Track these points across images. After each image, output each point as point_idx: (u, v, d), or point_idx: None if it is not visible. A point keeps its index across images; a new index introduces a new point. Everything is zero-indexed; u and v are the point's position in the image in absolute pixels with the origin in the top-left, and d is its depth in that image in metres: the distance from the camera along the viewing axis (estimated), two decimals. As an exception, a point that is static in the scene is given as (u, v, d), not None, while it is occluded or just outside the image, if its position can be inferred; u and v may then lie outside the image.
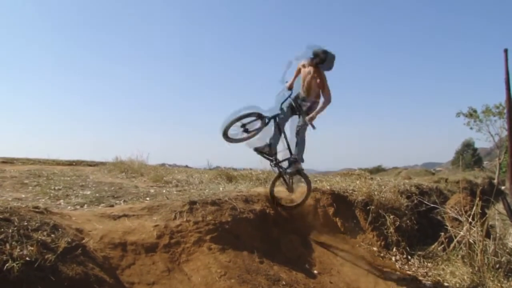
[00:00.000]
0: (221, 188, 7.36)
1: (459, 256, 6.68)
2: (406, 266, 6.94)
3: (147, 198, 5.93)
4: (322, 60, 5.80)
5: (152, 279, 3.82)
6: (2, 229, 3.05)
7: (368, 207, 7.67)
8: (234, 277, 4.33)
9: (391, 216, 7.66)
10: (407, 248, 7.44)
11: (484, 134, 30.24)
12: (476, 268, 6.22)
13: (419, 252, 7.44)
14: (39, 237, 3.18)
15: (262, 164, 10.73)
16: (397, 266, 6.85)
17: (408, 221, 7.96)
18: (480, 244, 6.30)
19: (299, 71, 6.22)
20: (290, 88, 6.16)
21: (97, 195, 6.33)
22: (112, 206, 5.28)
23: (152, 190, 7.05)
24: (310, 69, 5.95)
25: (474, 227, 6.67)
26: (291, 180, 6.44)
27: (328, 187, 7.96)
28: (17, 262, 2.75)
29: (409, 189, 9.87)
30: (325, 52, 5.78)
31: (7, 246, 2.88)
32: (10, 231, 3.07)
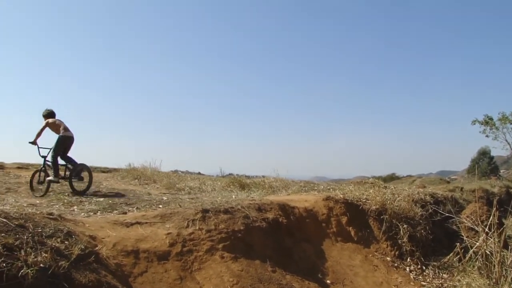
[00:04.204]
0: (233, 196, 7.35)
1: (476, 267, 6.54)
2: (420, 277, 6.84)
3: (160, 206, 5.94)
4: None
5: (164, 287, 3.82)
6: (17, 236, 3.08)
7: (382, 216, 7.60)
8: (246, 286, 4.30)
9: (405, 226, 7.57)
10: (422, 258, 7.34)
11: (500, 142, 29.81)
12: (494, 280, 6.08)
13: (434, 263, 7.33)
14: (53, 244, 3.20)
15: (275, 172, 10.73)
16: (412, 276, 6.75)
17: (422, 231, 7.86)
18: (497, 255, 6.16)
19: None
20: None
21: (110, 202, 6.37)
22: (125, 213, 5.30)
23: (164, 198, 7.07)
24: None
25: (491, 237, 6.53)
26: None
27: (341, 196, 7.91)
28: (32, 268, 2.76)
29: (423, 198, 9.76)
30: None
31: (22, 252, 2.90)
32: (25, 237, 3.09)
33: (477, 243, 6.75)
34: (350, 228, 7.12)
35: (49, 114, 8.34)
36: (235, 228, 5.13)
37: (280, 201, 6.62)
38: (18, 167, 12.93)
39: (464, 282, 6.34)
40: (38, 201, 6.31)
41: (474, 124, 30.65)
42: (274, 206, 6.29)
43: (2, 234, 3.02)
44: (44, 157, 8.11)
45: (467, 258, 6.88)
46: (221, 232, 4.92)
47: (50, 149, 8.13)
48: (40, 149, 8.14)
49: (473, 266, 6.62)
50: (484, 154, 55.11)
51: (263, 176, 10.88)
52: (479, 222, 7.02)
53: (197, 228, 4.81)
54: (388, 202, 7.96)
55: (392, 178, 46.66)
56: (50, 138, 8.30)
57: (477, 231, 7.16)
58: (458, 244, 7.27)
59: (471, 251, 6.81)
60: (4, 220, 3.27)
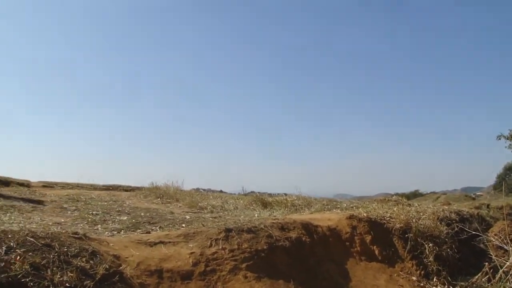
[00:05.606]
0: (256, 215, 7.32)
1: (506, 288, 6.34)
2: (448, 297, 6.65)
3: (183, 225, 5.96)
4: None
5: (188, 307, 3.81)
6: (44, 255, 3.13)
7: (406, 235, 7.44)
8: (270, 307, 4.26)
9: (431, 244, 7.39)
10: (449, 278, 7.13)
11: (528, 157, 29.04)
12: (525, 301, 5.88)
13: (462, 283, 7.11)
14: (79, 263, 3.24)
15: (298, 190, 10.65)
16: (439, 297, 6.57)
17: (448, 250, 7.66)
18: (528, 275, 5.97)
19: None
20: None
21: (133, 221, 6.41)
22: (148, 232, 5.33)
23: (187, 216, 7.08)
24: None
25: (521, 256, 6.34)
26: None
27: (365, 214, 7.79)
28: (58, 288, 2.79)
29: (448, 216, 9.54)
30: None
31: (49, 271, 2.95)
32: (51, 256, 3.14)
33: (507, 263, 6.54)
34: (374, 247, 6.99)
35: None
36: (258, 247, 5.11)
37: (303, 220, 6.57)
38: (44, 186, 13.17)
39: (495, 304, 6.14)
40: (63, 220, 6.40)
41: (499, 139, 29.93)
42: (297, 225, 6.24)
43: (30, 253, 3.07)
44: None
45: (497, 278, 6.66)
46: (244, 252, 4.90)
47: None
48: None
49: (504, 287, 6.41)
50: (510, 169, 53.71)
51: (285, 194, 10.81)
52: (508, 241, 6.82)
53: (220, 247, 4.80)
54: (413, 220, 7.81)
55: (415, 195, 45.88)
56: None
57: (506, 250, 6.95)
58: (486, 263, 7.05)
59: (500, 271, 6.60)
60: (32, 239, 3.33)
